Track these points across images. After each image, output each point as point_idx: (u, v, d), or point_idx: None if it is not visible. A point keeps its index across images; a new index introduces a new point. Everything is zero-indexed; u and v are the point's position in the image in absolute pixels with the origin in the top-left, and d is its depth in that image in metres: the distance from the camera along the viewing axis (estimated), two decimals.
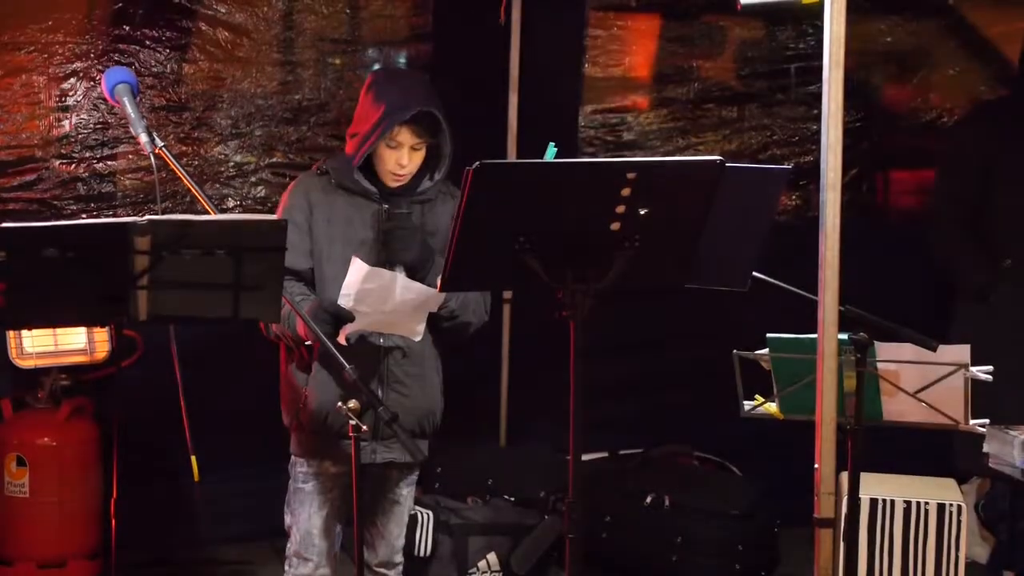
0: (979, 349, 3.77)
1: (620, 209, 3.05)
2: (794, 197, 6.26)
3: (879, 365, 3.70)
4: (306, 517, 3.98)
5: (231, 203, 5.68)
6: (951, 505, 4.52)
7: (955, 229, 5.24)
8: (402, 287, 3.66)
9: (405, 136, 3.80)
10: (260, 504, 4.91)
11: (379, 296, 3.65)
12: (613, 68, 6.24)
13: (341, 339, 3.66)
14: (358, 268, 3.64)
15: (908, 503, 4.54)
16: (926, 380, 3.70)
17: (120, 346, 3.39)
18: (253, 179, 5.73)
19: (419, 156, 3.86)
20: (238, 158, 5.70)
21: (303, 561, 4.00)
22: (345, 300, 3.66)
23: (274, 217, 3.41)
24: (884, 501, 4.54)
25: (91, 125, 5.38)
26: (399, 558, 4.12)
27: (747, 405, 3.91)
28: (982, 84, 6.34)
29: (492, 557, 5.10)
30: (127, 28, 5.37)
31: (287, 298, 3.43)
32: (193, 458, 4.19)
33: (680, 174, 3.14)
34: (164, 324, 3.54)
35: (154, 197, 5.25)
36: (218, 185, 5.65)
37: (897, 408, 3.77)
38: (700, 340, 5.55)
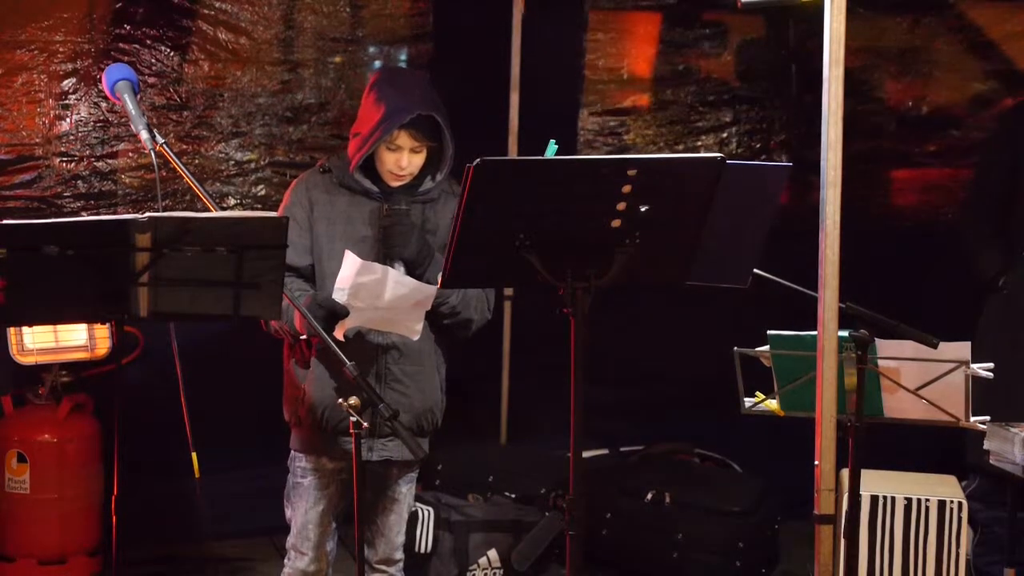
0: (1005, 342, 3.76)
1: (621, 206, 3.05)
2: (794, 194, 6.25)
3: (880, 362, 3.70)
4: (303, 511, 3.99)
5: (232, 201, 5.68)
6: (952, 502, 4.52)
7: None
8: (394, 281, 3.66)
9: (404, 139, 3.80)
10: (261, 501, 4.92)
11: (373, 291, 3.65)
12: (613, 68, 6.24)
13: (338, 335, 3.66)
14: (352, 262, 3.65)
15: (909, 500, 4.53)
16: (927, 377, 3.70)
17: (121, 343, 3.36)
18: (253, 178, 5.73)
19: (420, 158, 3.86)
20: (239, 157, 5.70)
21: (299, 555, 4.01)
22: (340, 295, 3.67)
23: (275, 214, 3.41)
24: (885, 498, 4.54)
25: (91, 123, 5.38)
26: (399, 555, 4.12)
27: (748, 402, 3.91)
28: (983, 83, 6.34)
29: (493, 554, 5.10)
30: (128, 27, 5.37)
31: (286, 293, 3.43)
32: (194, 454, 4.19)
33: (681, 171, 3.14)
34: (165, 321, 3.54)
35: (155, 195, 5.25)
36: (219, 184, 5.65)
37: (898, 405, 3.77)
38: (700, 337, 5.55)
